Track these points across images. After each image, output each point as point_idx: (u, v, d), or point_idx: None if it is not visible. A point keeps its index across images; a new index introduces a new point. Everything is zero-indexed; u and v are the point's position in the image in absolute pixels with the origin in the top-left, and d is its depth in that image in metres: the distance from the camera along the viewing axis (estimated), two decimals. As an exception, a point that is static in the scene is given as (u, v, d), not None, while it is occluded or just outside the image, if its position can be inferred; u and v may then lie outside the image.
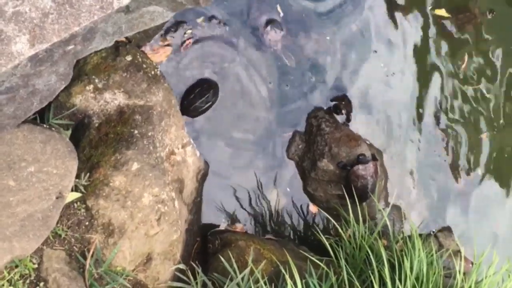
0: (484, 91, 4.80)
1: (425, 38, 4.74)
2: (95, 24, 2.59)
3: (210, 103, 4.17)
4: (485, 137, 4.79)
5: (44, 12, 2.49)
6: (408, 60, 4.69)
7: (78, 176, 3.20)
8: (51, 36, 2.48)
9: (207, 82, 4.15)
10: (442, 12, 4.76)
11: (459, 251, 3.95)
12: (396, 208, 4.45)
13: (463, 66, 4.76)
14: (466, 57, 4.77)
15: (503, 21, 4.89)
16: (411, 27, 4.70)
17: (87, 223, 3.20)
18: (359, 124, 4.45)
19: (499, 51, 4.87)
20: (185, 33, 4.07)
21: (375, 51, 4.59)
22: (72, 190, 3.15)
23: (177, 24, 4.06)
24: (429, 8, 4.74)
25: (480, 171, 4.78)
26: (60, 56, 2.63)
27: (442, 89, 4.72)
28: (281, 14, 4.31)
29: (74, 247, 3.15)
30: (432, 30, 4.75)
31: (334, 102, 4.44)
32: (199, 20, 4.13)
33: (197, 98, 4.10)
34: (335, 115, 4.43)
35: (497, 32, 4.87)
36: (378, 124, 4.53)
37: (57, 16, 2.50)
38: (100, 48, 3.08)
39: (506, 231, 4.83)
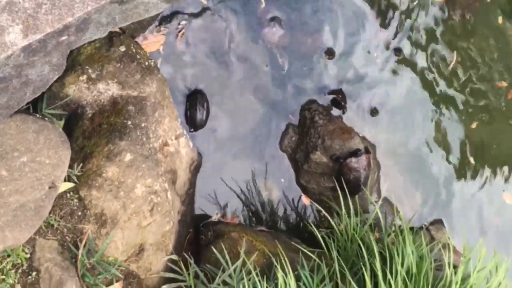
0: (474, 83, 4.82)
1: (420, 26, 4.73)
2: (88, 15, 2.58)
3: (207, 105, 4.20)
4: (475, 125, 4.80)
5: (38, 2, 2.48)
6: (403, 51, 4.69)
7: (71, 166, 3.20)
8: (44, 27, 2.48)
9: (195, 91, 4.18)
10: None
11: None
12: (389, 201, 4.46)
13: (452, 64, 4.77)
14: (455, 55, 4.77)
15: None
16: (405, 15, 4.69)
17: (79, 213, 3.20)
18: (352, 117, 4.45)
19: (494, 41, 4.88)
20: (179, 24, 4.07)
21: (369, 49, 4.59)
22: (65, 180, 3.15)
23: (171, 15, 4.06)
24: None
25: (472, 162, 4.80)
26: (53, 47, 2.62)
27: (434, 78, 4.73)
28: (263, 5, 4.30)
29: (67, 237, 3.16)
30: (428, 17, 4.74)
31: (331, 96, 4.45)
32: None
33: (201, 111, 4.11)
34: (334, 108, 4.44)
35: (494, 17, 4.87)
36: (371, 116, 4.53)
37: (51, 6, 2.50)
38: (94, 39, 3.06)
39: (498, 221, 4.87)
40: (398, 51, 4.66)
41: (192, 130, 4.14)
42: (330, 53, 4.47)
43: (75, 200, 3.21)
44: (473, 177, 4.81)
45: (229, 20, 4.22)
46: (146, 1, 3.02)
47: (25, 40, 2.45)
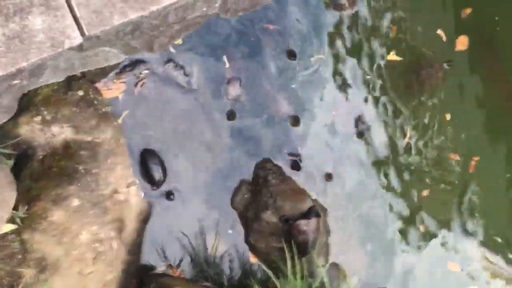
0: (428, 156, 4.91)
1: (383, 97, 4.82)
2: (43, 61, 2.58)
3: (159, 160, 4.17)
4: (426, 193, 4.86)
5: (-7, 45, 2.48)
6: (366, 118, 4.76)
7: (15, 208, 3.15)
8: (-4, 69, 2.47)
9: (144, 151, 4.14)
10: (393, 57, 4.82)
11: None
12: (336, 265, 4.46)
13: (406, 139, 4.85)
14: (408, 133, 4.85)
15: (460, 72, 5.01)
16: (370, 86, 4.77)
17: (20, 256, 3.14)
18: (307, 180, 4.47)
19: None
20: (141, 73, 4.06)
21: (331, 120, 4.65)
22: (8, 222, 3.09)
23: (134, 63, 4.05)
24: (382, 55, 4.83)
25: (421, 230, 4.85)
26: (4, 89, 2.61)
27: (390, 150, 4.80)
28: (227, 65, 4.33)
29: (4, 280, 3.09)
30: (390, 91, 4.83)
31: (291, 158, 4.46)
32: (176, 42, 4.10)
33: (155, 168, 4.08)
34: (292, 170, 4.45)
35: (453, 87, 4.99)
36: (325, 181, 4.55)
37: (6, 50, 2.49)
38: (50, 82, 3.05)
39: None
40: (361, 134, 4.73)
41: (154, 188, 4.11)
42: (295, 120, 4.51)
43: (17, 243, 3.14)
44: (421, 245, 4.85)
45: (192, 74, 4.23)
46: (107, 50, 3.04)
47: (-25, 81, 2.44)
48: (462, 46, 4.98)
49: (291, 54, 4.51)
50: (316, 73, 4.60)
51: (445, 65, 4.93)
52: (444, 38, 4.94)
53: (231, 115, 4.32)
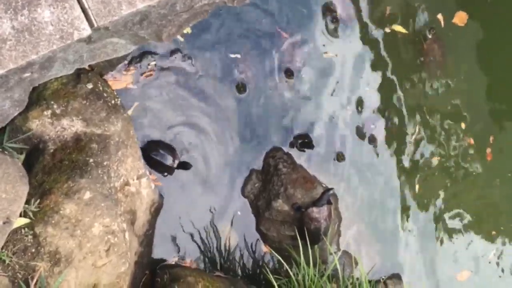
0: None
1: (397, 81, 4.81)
2: (54, 53, 2.57)
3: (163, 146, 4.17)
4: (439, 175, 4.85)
5: (2, 38, 2.47)
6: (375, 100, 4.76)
7: (28, 202, 3.15)
8: (7, 63, 2.46)
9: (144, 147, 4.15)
10: (399, 28, 4.80)
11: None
12: (348, 252, 4.47)
13: (415, 135, 4.85)
14: (417, 129, 4.84)
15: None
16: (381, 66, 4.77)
17: (33, 250, 3.14)
18: (316, 167, 4.47)
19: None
20: (149, 64, 4.07)
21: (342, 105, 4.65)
22: (20, 216, 3.10)
23: (141, 55, 4.06)
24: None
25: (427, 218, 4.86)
26: (15, 83, 2.60)
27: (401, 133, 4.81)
28: (233, 56, 4.33)
29: (18, 274, 3.09)
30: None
31: (300, 141, 4.47)
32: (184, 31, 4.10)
33: (162, 155, 4.08)
34: (307, 149, 4.46)
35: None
36: (335, 167, 4.56)
37: (15, 43, 2.48)
38: (60, 75, 3.05)
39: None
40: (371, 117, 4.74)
41: (171, 169, 4.13)
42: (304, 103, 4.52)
43: (30, 237, 3.14)
44: (436, 230, 4.86)
45: (199, 64, 4.23)
46: (114, 41, 3.03)
47: (-14, 75, 2.43)
48: (459, 21, 4.93)
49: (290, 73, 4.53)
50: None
51: (428, 34, 4.88)
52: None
53: (240, 97, 4.33)
